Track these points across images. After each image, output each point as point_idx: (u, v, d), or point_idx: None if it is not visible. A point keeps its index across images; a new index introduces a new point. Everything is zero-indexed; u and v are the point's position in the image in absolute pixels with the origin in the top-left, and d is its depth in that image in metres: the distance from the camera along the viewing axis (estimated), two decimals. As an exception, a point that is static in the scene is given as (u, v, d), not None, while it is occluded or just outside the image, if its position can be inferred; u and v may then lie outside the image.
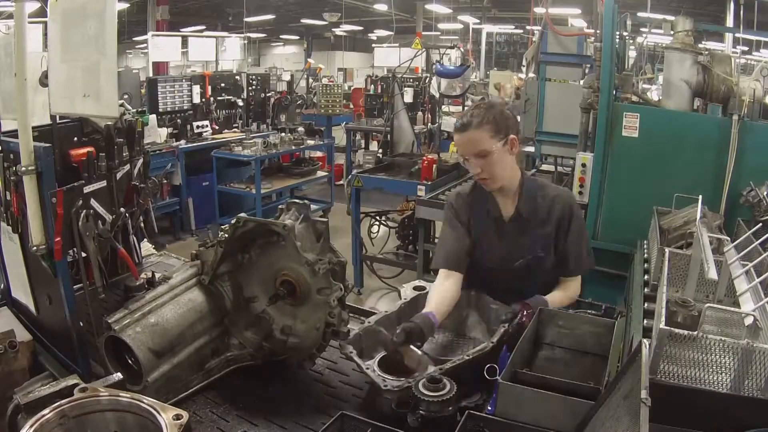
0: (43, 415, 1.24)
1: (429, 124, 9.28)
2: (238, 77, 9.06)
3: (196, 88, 8.09)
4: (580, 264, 2.28)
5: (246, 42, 15.57)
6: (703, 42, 6.42)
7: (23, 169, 1.76)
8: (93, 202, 2.03)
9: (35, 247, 1.81)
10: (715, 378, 1.59)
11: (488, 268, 2.25)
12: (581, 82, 5.26)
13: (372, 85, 11.40)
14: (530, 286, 2.17)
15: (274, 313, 1.99)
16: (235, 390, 1.86)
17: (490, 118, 2.07)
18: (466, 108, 5.01)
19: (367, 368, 1.74)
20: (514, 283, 2.21)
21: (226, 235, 1.90)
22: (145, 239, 2.75)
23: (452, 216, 2.34)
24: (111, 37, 1.80)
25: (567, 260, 2.25)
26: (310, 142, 8.51)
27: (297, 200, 1.93)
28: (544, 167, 7.05)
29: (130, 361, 1.77)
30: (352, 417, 1.56)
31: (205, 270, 1.95)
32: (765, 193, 3.39)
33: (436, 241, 5.83)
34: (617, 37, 4.37)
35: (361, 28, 21.85)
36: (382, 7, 14.97)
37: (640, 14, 6.62)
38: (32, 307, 2.10)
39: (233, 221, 1.88)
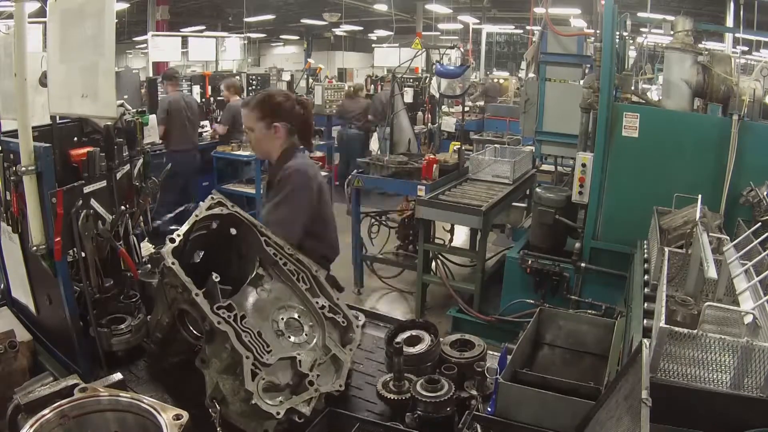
0: (43, 415, 1.24)
1: (429, 124, 9.27)
2: (238, 77, 9.05)
3: (196, 88, 8.08)
4: (267, 218, 2.36)
5: (246, 42, 15.58)
6: (703, 42, 6.42)
7: (23, 169, 1.76)
8: (93, 202, 2.03)
9: (35, 247, 1.81)
10: (714, 376, 1.59)
11: None
12: (581, 82, 5.25)
13: (372, 85, 11.40)
14: None
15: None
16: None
17: (263, 105, 2.44)
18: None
19: None
20: None
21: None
22: (146, 239, 2.75)
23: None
24: (109, 37, 1.80)
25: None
26: (311, 142, 8.47)
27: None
28: (544, 167, 7.04)
29: None
30: (340, 413, 1.57)
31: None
32: (765, 193, 3.39)
33: (437, 241, 5.85)
34: (617, 37, 4.36)
35: (361, 28, 21.83)
36: (382, 7, 14.95)
37: (640, 14, 6.63)
38: (32, 307, 2.10)
39: None
